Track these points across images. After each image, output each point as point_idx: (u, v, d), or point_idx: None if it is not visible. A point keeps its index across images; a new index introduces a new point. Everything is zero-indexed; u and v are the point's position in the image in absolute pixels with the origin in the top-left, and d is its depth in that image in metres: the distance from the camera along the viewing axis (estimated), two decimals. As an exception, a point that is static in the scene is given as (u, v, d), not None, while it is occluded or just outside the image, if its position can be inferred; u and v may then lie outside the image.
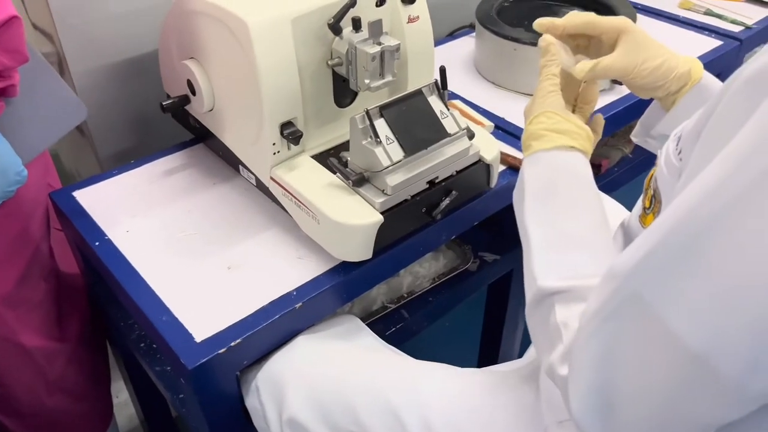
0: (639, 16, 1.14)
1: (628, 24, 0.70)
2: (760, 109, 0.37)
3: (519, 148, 0.94)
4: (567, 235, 0.57)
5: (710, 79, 0.70)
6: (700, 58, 1.18)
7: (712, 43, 1.25)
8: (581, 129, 0.65)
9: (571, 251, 0.56)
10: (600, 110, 1.05)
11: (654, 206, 0.59)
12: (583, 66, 0.69)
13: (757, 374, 0.38)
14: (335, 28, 0.77)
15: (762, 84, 0.39)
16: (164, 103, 0.88)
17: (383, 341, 0.82)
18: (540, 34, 0.73)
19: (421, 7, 0.86)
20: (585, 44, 0.74)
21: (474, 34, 1.21)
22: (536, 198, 0.61)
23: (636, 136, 0.78)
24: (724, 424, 0.42)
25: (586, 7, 1.22)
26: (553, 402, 0.61)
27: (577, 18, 0.71)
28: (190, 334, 0.70)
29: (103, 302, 0.97)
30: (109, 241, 0.81)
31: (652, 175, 0.60)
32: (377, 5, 0.81)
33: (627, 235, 0.66)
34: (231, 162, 0.91)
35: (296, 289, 0.75)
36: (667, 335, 0.40)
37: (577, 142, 0.64)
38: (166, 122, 0.99)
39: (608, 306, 0.44)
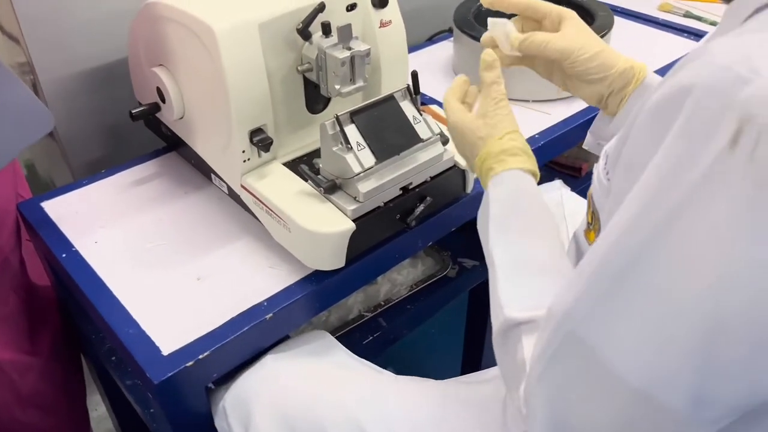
0: (618, 18, 1.13)
1: (572, 13, 0.70)
2: (663, 147, 0.36)
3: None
4: (531, 260, 0.56)
5: (657, 80, 0.68)
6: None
7: (692, 45, 1.25)
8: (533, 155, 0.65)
9: (535, 277, 0.55)
10: (578, 114, 1.04)
11: (594, 223, 0.58)
12: (517, 35, 0.69)
13: (703, 405, 0.37)
14: (304, 34, 0.76)
15: (664, 116, 0.37)
16: (134, 111, 0.86)
17: (356, 356, 0.80)
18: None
19: (393, 12, 0.85)
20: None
21: (452, 38, 1.20)
22: (500, 220, 0.60)
23: (587, 145, 0.77)
24: None
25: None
26: (517, 415, 0.60)
27: (521, 1, 0.71)
28: (157, 347, 0.68)
29: (74, 315, 0.95)
30: (77, 253, 0.80)
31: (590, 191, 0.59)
32: (347, 10, 0.80)
33: (578, 249, 0.65)
34: (203, 170, 0.89)
35: (267, 300, 0.73)
36: (608, 375, 0.39)
37: (534, 166, 0.63)
38: (139, 130, 0.98)
39: (550, 347, 0.43)
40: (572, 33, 0.68)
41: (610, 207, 0.47)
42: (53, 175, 1.20)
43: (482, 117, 0.65)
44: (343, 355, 0.79)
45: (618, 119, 0.70)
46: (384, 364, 1.30)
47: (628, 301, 0.38)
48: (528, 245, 0.57)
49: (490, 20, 0.73)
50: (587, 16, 1.16)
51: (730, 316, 0.35)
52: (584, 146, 0.78)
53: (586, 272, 0.41)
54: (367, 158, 0.73)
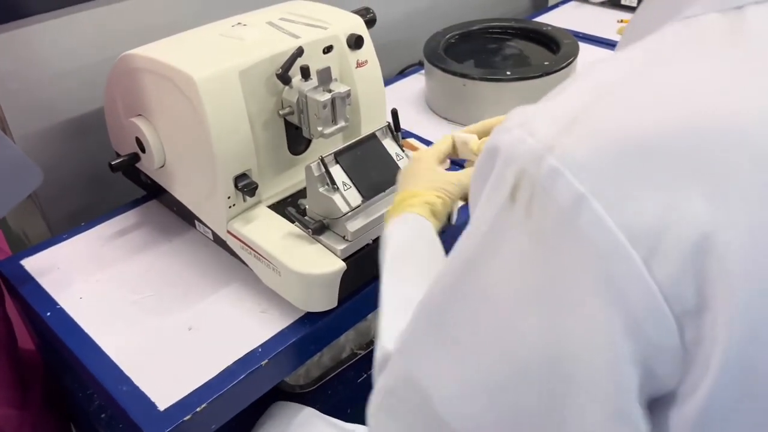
0: (581, 44, 1.17)
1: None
2: (482, 196, 0.37)
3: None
4: (414, 300, 0.57)
5: None
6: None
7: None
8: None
9: None
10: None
11: None
12: (477, 142, 0.75)
13: None
14: (284, 78, 0.77)
15: (486, 165, 0.37)
16: (113, 163, 0.86)
17: (341, 423, 0.79)
18: None
19: (368, 51, 0.86)
20: None
21: (423, 71, 1.22)
22: (396, 258, 0.61)
23: None
24: None
25: (529, 39, 1.26)
26: None
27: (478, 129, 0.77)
28: (153, 403, 0.67)
29: (60, 373, 0.92)
30: (61, 310, 0.78)
31: None
32: (324, 52, 0.81)
33: None
34: (186, 217, 0.89)
35: (261, 346, 0.73)
36: (436, 418, 0.39)
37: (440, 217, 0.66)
38: (116, 180, 0.97)
39: (389, 383, 0.43)
40: None
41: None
42: (26, 229, 1.18)
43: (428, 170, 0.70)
44: (329, 429, 0.78)
45: None
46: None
47: (442, 341, 0.38)
48: (413, 285, 0.57)
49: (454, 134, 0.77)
50: (553, 44, 1.19)
51: (522, 371, 0.35)
52: None
53: (417, 307, 0.41)
54: (354, 197, 0.73)
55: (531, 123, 0.34)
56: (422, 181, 0.69)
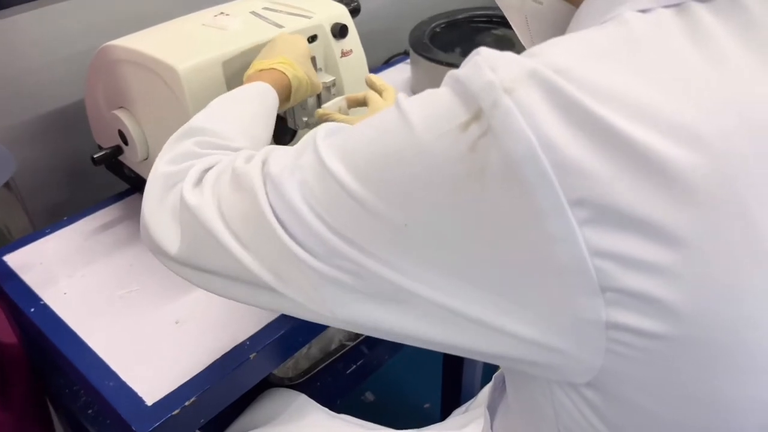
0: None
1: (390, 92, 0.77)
2: (426, 104, 0.38)
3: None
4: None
5: None
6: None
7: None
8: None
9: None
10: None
11: None
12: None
13: None
14: (268, 68, 0.76)
15: (447, 86, 0.38)
16: (95, 156, 0.84)
17: (334, 414, 0.79)
18: None
19: (353, 40, 0.86)
20: None
21: (409, 60, 1.21)
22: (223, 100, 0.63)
23: None
24: None
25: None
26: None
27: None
28: (141, 398, 0.66)
29: (44, 369, 0.91)
30: (46, 306, 0.77)
31: None
32: (308, 42, 0.80)
33: None
34: (171, 210, 0.88)
35: (249, 339, 0.72)
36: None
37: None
38: (99, 173, 0.96)
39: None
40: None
41: None
42: (8, 224, 1.16)
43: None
44: (320, 415, 0.78)
45: None
46: (364, 390, 1.29)
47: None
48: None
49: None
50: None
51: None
52: None
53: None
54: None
55: (496, 62, 0.34)
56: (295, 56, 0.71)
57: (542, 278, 0.33)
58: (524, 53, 0.35)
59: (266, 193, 0.42)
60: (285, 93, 0.70)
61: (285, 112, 0.78)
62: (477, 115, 0.33)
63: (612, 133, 0.31)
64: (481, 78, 0.34)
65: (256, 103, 0.64)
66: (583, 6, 0.40)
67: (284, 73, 0.69)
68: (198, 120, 0.59)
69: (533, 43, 0.47)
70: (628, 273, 0.32)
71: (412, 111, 0.36)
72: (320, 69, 0.77)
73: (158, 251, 0.51)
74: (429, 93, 0.37)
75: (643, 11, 0.35)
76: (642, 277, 0.32)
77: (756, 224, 0.32)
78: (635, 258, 0.32)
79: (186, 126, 0.58)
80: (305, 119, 0.76)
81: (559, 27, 0.44)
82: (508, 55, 0.35)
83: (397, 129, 0.36)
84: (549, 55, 0.34)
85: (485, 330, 0.36)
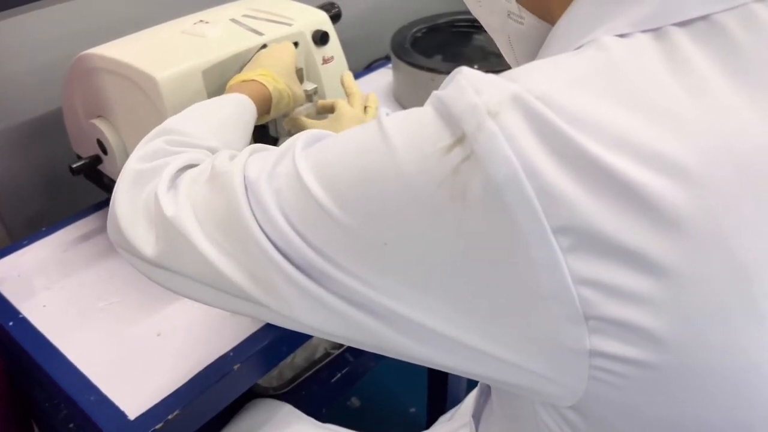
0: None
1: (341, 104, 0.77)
2: (408, 121, 0.38)
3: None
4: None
5: None
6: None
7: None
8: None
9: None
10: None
11: None
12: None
13: None
14: (249, 76, 0.75)
15: (430, 107, 0.38)
16: (74, 166, 0.83)
17: (320, 424, 0.79)
18: None
19: (334, 47, 0.85)
20: None
21: (390, 65, 1.21)
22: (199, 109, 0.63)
23: None
24: None
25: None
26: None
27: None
28: (123, 412, 0.65)
29: (24, 383, 0.90)
30: (24, 320, 0.75)
31: None
32: (290, 49, 0.80)
33: None
34: (152, 220, 0.87)
35: (233, 350, 0.71)
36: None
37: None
38: (78, 183, 0.94)
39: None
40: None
41: None
42: (-15, 235, 1.14)
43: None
44: (307, 426, 0.78)
45: None
46: (349, 396, 1.29)
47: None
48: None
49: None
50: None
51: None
52: None
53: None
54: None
55: (480, 84, 0.34)
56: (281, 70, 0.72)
57: (525, 304, 0.33)
58: (504, 75, 0.35)
59: (247, 197, 0.41)
60: (265, 105, 0.69)
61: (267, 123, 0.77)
62: (460, 139, 0.33)
63: (592, 162, 0.31)
64: (465, 100, 0.33)
65: (231, 110, 0.64)
66: (559, 25, 0.40)
67: (265, 86, 0.68)
68: (170, 122, 0.58)
69: (518, 63, 0.47)
70: (611, 301, 0.32)
71: (394, 131, 0.36)
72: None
73: (131, 251, 0.50)
74: (411, 112, 0.37)
75: (621, 36, 0.35)
76: (625, 306, 0.32)
77: (736, 253, 0.32)
78: (618, 286, 0.32)
79: (158, 127, 0.57)
80: (288, 128, 0.75)
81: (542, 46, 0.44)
82: (491, 78, 0.34)
83: (378, 149, 0.36)
84: (530, 81, 0.33)
85: (468, 351, 0.36)
